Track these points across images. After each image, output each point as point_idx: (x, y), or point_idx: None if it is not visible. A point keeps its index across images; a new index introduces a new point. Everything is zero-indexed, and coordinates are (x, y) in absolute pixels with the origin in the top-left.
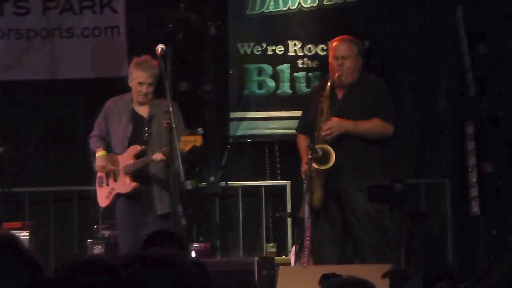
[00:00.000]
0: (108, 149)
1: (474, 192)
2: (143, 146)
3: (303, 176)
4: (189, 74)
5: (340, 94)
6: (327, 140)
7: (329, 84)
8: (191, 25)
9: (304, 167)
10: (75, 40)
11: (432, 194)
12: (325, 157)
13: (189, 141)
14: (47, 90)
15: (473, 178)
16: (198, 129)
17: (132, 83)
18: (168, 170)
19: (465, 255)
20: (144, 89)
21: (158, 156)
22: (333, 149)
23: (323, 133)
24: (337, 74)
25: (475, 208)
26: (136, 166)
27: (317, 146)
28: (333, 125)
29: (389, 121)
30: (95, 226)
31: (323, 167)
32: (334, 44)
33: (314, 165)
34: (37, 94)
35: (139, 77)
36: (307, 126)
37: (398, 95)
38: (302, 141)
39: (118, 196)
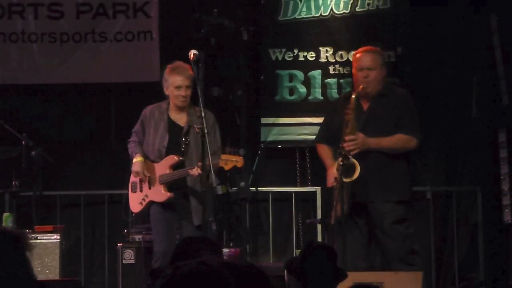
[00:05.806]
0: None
1: (506, 201)
2: (181, 158)
3: (331, 183)
4: (221, 79)
5: (365, 106)
6: (350, 154)
7: (353, 96)
8: (223, 30)
9: (331, 176)
10: (108, 44)
11: (463, 201)
12: (350, 170)
13: (230, 161)
14: (79, 94)
15: (506, 186)
16: (240, 150)
17: (168, 90)
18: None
19: (496, 263)
20: (182, 92)
21: (195, 171)
22: (359, 162)
23: (346, 147)
24: (361, 86)
25: (507, 216)
26: (173, 177)
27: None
28: (358, 140)
29: (413, 134)
30: (125, 230)
31: (347, 180)
32: (357, 55)
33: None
34: (69, 98)
35: (176, 81)
36: (330, 136)
37: (430, 102)
38: (325, 150)
39: (152, 203)
